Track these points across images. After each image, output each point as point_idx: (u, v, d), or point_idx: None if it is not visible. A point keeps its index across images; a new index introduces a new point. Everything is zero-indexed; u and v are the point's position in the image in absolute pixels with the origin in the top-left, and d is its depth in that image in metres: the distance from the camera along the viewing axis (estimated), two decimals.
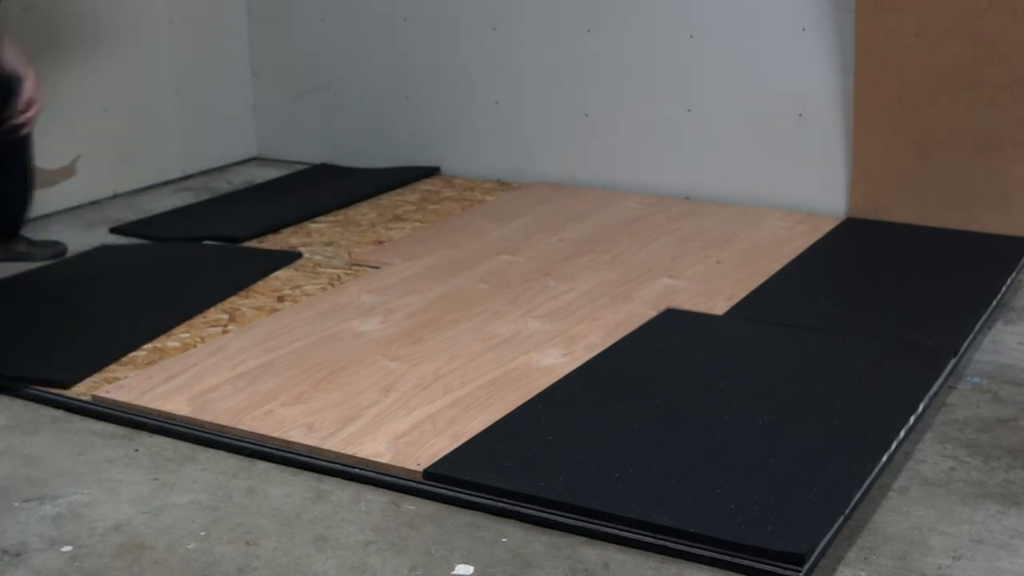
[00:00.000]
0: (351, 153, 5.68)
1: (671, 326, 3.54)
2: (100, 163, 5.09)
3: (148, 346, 3.44)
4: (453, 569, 2.39)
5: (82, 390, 3.16)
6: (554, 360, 3.30)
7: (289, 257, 4.20)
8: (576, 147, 5.22)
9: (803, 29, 4.68)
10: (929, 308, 3.66)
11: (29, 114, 3.72)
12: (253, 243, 4.44)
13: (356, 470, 2.75)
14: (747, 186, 4.88)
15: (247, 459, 2.85)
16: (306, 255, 4.27)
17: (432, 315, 3.65)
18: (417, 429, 2.88)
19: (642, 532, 2.45)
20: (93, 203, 5.06)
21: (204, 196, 5.21)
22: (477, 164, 5.42)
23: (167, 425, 2.98)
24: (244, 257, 4.26)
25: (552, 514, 2.54)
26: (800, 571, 2.31)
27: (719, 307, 3.70)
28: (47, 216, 4.85)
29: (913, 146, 4.53)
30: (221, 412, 2.98)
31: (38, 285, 3.95)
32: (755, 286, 3.87)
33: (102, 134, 5.09)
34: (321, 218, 4.78)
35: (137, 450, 2.90)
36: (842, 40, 4.61)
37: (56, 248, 4.21)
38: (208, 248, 4.38)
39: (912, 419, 2.93)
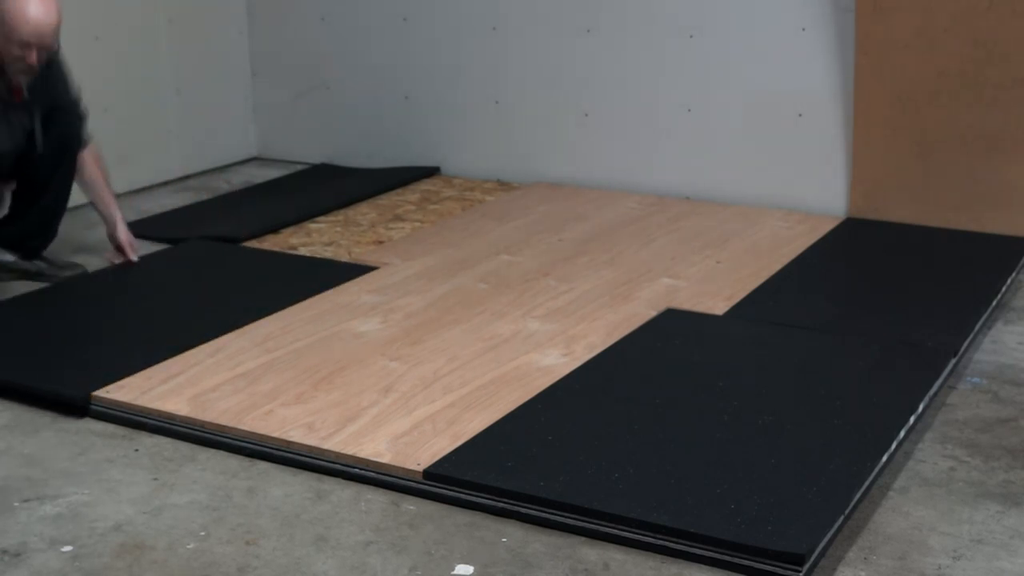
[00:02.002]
0: (351, 153, 5.68)
1: (671, 326, 3.54)
2: None
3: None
4: (453, 569, 2.39)
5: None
6: (554, 360, 3.30)
7: (363, 268, 4.06)
8: (576, 147, 5.22)
9: (803, 29, 4.68)
10: (929, 308, 3.66)
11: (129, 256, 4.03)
12: (253, 243, 4.44)
13: (356, 470, 2.75)
14: (747, 186, 4.88)
15: (247, 459, 2.85)
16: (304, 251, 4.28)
17: (432, 315, 3.64)
18: (417, 429, 2.88)
19: (642, 532, 2.45)
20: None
21: (204, 196, 5.21)
22: (477, 164, 5.42)
23: (167, 425, 2.98)
24: (323, 269, 4.14)
25: (552, 514, 2.54)
26: (800, 571, 2.32)
27: (719, 307, 3.70)
28: None
29: (913, 146, 4.53)
30: (221, 412, 2.98)
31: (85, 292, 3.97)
32: (755, 286, 3.87)
33: (102, 134, 5.08)
34: (321, 218, 4.77)
35: (137, 450, 2.90)
36: (842, 40, 4.61)
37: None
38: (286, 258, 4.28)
39: (912, 419, 2.93)
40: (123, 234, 4.10)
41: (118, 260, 4.11)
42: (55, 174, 3.93)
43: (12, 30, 3.49)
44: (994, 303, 3.76)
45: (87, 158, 4.04)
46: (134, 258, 4.10)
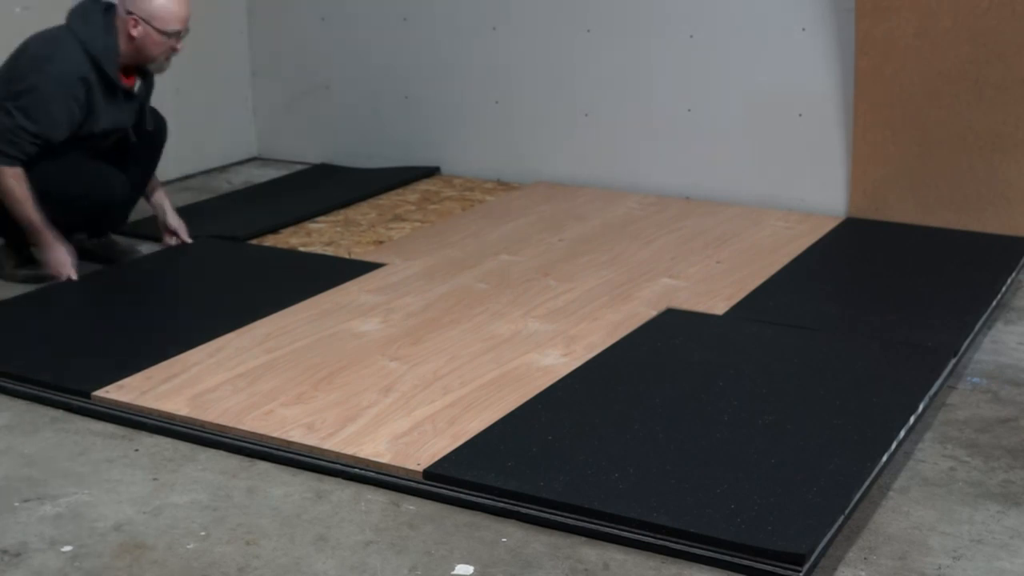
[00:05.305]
0: (351, 153, 5.68)
1: (671, 326, 3.54)
2: None
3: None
4: (453, 569, 2.39)
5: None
6: (554, 360, 3.30)
7: (363, 268, 4.07)
8: (576, 147, 5.22)
9: (803, 29, 4.68)
10: (929, 308, 3.66)
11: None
12: (253, 243, 4.44)
13: (356, 470, 2.75)
14: (747, 186, 4.88)
15: (247, 459, 2.85)
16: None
17: (432, 315, 3.65)
18: (417, 429, 2.88)
19: (642, 532, 2.45)
20: None
21: (204, 196, 5.21)
22: (477, 164, 5.42)
23: (167, 425, 2.98)
24: (329, 264, 4.17)
25: (552, 514, 2.54)
26: (800, 571, 2.32)
27: (719, 307, 3.70)
28: None
29: (913, 146, 4.53)
30: (221, 412, 2.98)
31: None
32: (755, 286, 3.87)
33: None
34: (321, 218, 4.78)
35: (137, 450, 2.90)
36: (842, 40, 4.61)
37: (133, 254, 4.28)
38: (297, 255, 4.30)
39: (912, 419, 2.93)
40: (173, 219, 4.34)
41: (173, 242, 4.34)
42: (138, 162, 4.21)
43: (166, 22, 3.88)
44: (994, 303, 3.76)
45: (157, 185, 4.36)
46: (188, 239, 4.34)
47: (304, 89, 5.76)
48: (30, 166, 3.86)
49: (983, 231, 4.43)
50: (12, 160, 3.81)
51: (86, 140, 3.98)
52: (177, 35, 3.93)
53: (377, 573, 2.38)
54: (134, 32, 3.88)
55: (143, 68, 4.03)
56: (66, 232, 4.00)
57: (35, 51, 3.89)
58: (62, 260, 3.93)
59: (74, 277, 3.93)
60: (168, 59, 4.01)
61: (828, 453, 2.72)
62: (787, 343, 3.41)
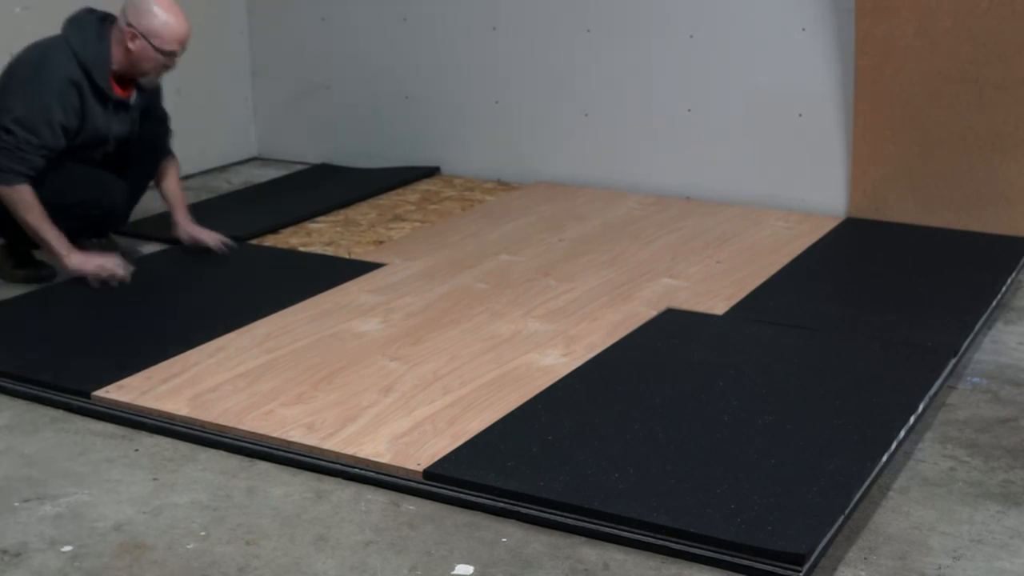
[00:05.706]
0: (351, 153, 5.68)
1: (671, 326, 3.54)
2: None
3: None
4: (453, 569, 2.39)
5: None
6: (554, 360, 3.30)
7: (363, 268, 4.09)
8: (576, 147, 5.22)
9: (803, 29, 4.68)
10: (929, 308, 3.66)
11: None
12: (253, 243, 4.44)
13: (356, 470, 2.75)
14: (747, 186, 4.88)
15: (247, 459, 2.85)
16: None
17: (432, 315, 3.65)
18: (417, 429, 2.88)
19: (642, 532, 2.45)
20: None
21: (204, 196, 5.20)
22: (477, 164, 5.42)
23: (167, 425, 2.98)
24: (328, 264, 4.18)
25: (552, 514, 2.54)
26: (800, 571, 2.32)
27: (719, 307, 3.70)
28: None
29: (913, 146, 4.53)
30: (221, 412, 2.98)
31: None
32: (755, 286, 3.87)
33: None
34: (321, 218, 4.78)
35: (137, 450, 2.90)
36: (842, 40, 4.61)
37: (133, 254, 4.25)
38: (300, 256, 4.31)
39: (912, 419, 2.93)
40: (195, 235, 4.24)
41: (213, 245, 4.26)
42: (140, 164, 4.17)
43: (164, 41, 3.87)
44: (994, 303, 3.76)
45: (170, 170, 4.28)
46: (215, 245, 4.24)
47: (304, 89, 5.76)
48: (39, 180, 3.84)
49: (983, 231, 4.43)
50: (23, 177, 3.79)
51: (78, 149, 3.94)
52: (172, 55, 3.92)
53: (377, 573, 2.38)
54: (131, 45, 3.86)
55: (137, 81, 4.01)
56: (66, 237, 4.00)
57: (28, 62, 3.88)
58: (101, 263, 3.90)
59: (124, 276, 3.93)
60: (159, 75, 4.01)
61: (828, 453, 2.72)
62: (787, 343, 3.41)
